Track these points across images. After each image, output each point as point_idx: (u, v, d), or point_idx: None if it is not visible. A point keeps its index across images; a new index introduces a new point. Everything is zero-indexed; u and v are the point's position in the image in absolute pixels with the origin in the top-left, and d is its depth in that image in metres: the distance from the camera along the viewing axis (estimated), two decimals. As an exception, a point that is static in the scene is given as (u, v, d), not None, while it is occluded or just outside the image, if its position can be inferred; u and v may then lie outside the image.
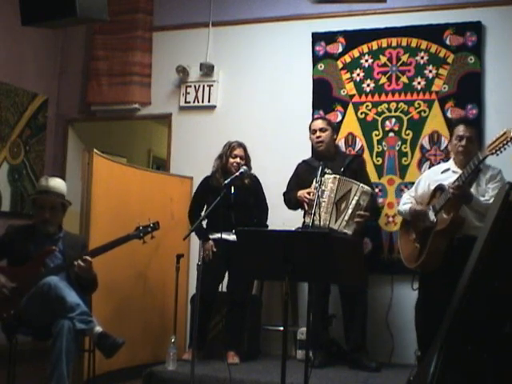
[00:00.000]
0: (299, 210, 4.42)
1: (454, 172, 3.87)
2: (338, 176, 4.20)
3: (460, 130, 3.88)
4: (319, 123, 4.43)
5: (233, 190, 4.21)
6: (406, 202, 4.06)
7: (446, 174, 3.93)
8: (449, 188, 3.64)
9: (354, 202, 4.15)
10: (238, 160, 4.42)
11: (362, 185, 4.20)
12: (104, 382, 4.22)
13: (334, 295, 4.38)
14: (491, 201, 3.63)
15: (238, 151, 4.46)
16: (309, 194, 4.22)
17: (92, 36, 5.67)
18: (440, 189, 3.79)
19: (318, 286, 4.15)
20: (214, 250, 4.33)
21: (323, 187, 4.11)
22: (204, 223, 4.33)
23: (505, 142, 3.39)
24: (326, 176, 4.15)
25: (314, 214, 3.89)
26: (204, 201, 4.47)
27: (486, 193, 3.74)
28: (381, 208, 4.72)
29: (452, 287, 3.72)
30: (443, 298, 3.73)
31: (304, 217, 4.32)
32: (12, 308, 3.47)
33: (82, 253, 3.69)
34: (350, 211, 4.14)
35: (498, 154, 3.43)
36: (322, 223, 3.99)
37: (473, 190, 3.71)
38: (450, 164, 3.98)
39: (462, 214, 3.69)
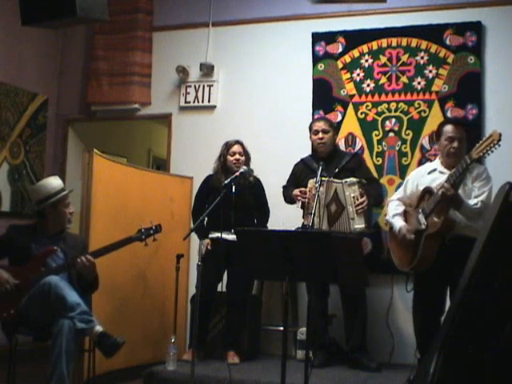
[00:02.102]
0: (296, 206, 4.42)
1: (441, 173, 3.83)
2: (325, 179, 4.18)
3: (450, 130, 3.80)
4: (322, 124, 4.40)
5: (233, 190, 4.21)
6: (396, 213, 3.99)
7: (432, 174, 3.88)
8: (438, 190, 3.62)
9: (347, 198, 4.13)
10: (236, 156, 4.42)
11: (343, 180, 4.17)
12: (104, 382, 4.22)
13: (333, 295, 4.38)
14: (479, 205, 3.63)
15: (236, 148, 4.46)
16: (304, 193, 4.23)
17: (92, 36, 5.67)
18: (428, 192, 3.76)
19: (316, 287, 4.16)
20: (209, 248, 4.33)
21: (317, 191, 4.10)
22: (204, 222, 4.32)
23: (492, 145, 3.39)
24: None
25: (314, 215, 3.90)
26: (206, 200, 4.46)
27: (473, 191, 3.72)
28: (384, 194, 4.64)
29: (445, 286, 3.75)
30: (436, 298, 3.75)
31: (303, 218, 4.32)
32: (12, 307, 3.47)
33: (83, 253, 3.69)
34: (351, 209, 4.12)
35: (485, 157, 3.43)
36: (314, 227, 4.00)
37: (460, 190, 3.69)
38: (437, 164, 3.93)
39: (451, 214, 3.67)
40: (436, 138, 4.00)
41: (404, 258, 3.87)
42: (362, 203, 4.10)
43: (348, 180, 4.16)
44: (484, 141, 3.44)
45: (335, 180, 4.19)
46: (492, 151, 3.41)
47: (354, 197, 4.12)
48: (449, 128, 3.82)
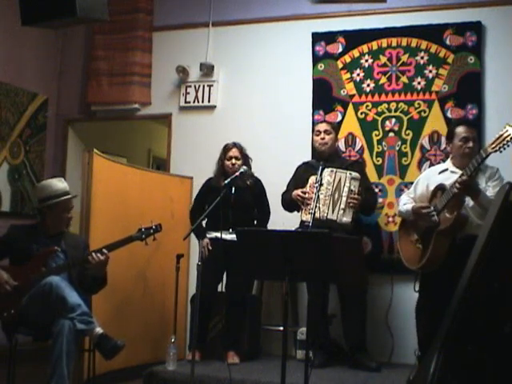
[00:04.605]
0: (294, 212, 4.43)
1: (452, 172, 3.83)
2: (334, 169, 4.24)
3: (464, 131, 3.83)
4: (324, 125, 4.48)
5: (233, 190, 4.21)
6: (407, 202, 4.02)
7: (444, 174, 3.89)
8: (454, 183, 3.59)
9: (346, 189, 4.19)
10: (232, 161, 4.44)
11: (349, 172, 4.25)
12: (104, 382, 4.22)
13: (334, 295, 4.38)
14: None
15: (233, 152, 4.47)
16: (303, 193, 4.24)
17: (92, 36, 5.67)
18: (441, 189, 3.75)
19: (316, 287, 4.16)
20: (210, 247, 4.34)
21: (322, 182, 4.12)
22: (203, 222, 4.33)
23: (508, 139, 3.37)
24: (324, 170, 4.16)
25: (314, 214, 3.90)
26: (205, 201, 4.47)
27: (487, 191, 3.71)
28: (377, 204, 4.64)
29: (453, 287, 3.72)
30: (444, 298, 3.72)
31: (301, 215, 4.32)
32: (13, 307, 3.47)
33: (84, 253, 3.70)
34: (344, 199, 4.18)
35: (501, 151, 3.41)
36: (320, 215, 4.04)
37: None
38: (448, 165, 3.95)
39: (464, 211, 3.67)
40: (448, 140, 4.00)
41: (414, 255, 3.86)
42: (355, 199, 4.17)
43: (353, 173, 4.25)
44: (499, 136, 3.40)
45: (341, 170, 4.25)
46: (508, 145, 3.37)
47: (352, 190, 4.19)
48: (462, 129, 3.86)
